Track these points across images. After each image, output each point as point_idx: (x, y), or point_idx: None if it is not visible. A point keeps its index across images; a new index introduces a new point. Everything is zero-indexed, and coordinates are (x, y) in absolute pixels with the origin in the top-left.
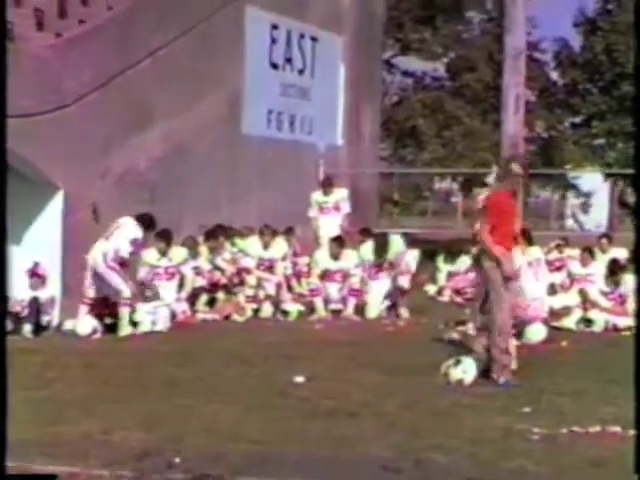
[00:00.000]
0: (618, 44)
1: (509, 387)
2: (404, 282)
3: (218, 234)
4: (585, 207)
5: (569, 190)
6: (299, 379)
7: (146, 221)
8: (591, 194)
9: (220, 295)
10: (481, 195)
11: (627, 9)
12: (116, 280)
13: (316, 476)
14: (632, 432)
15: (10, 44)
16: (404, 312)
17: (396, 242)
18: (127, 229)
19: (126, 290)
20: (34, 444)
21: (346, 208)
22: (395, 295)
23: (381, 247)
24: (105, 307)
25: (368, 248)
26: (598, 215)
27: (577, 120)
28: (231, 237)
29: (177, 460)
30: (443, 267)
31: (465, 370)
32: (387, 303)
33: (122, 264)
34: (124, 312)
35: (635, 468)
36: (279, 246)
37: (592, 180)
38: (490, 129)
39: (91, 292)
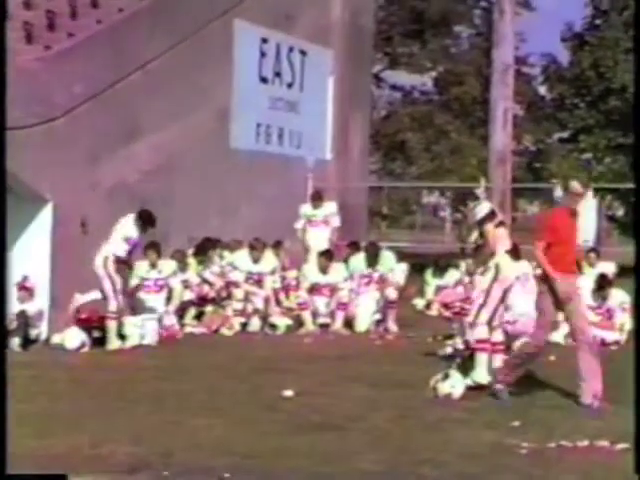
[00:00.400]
0: (605, 59)
1: (501, 399)
2: (392, 294)
3: (207, 247)
4: None
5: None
6: (288, 393)
7: (143, 217)
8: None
9: (208, 308)
10: (477, 208)
11: (614, 25)
12: (107, 289)
13: None
14: (620, 446)
15: None
16: (393, 326)
17: (388, 257)
18: (123, 228)
19: (112, 303)
20: (23, 457)
21: (335, 222)
22: (384, 309)
23: (372, 257)
24: (93, 320)
25: (359, 259)
26: (585, 230)
27: (564, 134)
28: (220, 250)
29: (166, 474)
30: (431, 281)
31: (453, 384)
32: (377, 317)
33: (123, 262)
34: (111, 325)
35: (635, 468)
36: (268, 260)
37: None
38: (478, 144)
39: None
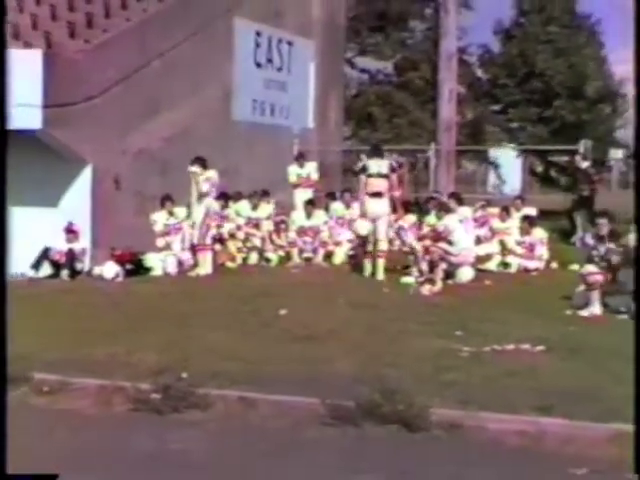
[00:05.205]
0: (528, 49)
1: None
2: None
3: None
4: (499, 182)
5: (490, 166)
6: (282, 312)
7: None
8: (503, 171)
9: (216, 246)
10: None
11: (534, 22)
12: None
13: (297, 388)
14: (539, 348)
15: (48, 49)
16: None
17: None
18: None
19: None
20: (71, 362)
21: (315, 176)
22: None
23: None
24: (126, 256)
25: (337, 205)
26: (513, 183)
27: (497, 108)
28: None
29: (185, 375)
30: (393, 224)
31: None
32: (350, 252)
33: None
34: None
35: (635, 468)
36: (264, 208)
37: (508, 155)
38: (429, 117)
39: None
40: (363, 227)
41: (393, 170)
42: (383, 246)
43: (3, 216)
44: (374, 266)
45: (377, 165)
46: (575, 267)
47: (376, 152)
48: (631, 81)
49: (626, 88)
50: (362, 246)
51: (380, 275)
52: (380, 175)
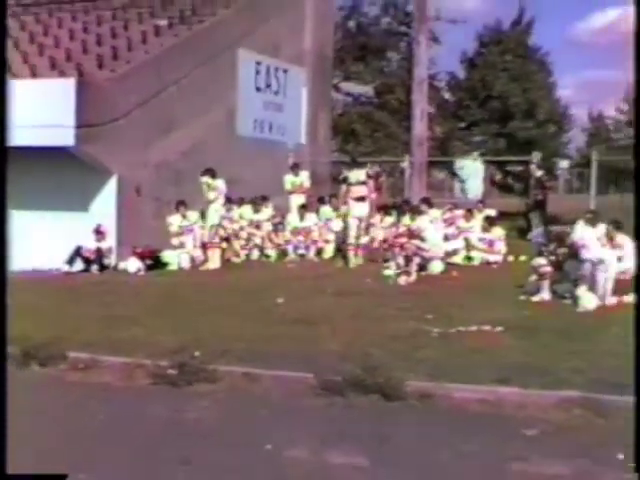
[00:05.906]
0: (489, 76)
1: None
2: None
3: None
4: (464, 188)
5: (455, 177)
6: (280, 300)
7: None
8: (467, 179)
9: (223, 245)
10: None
11: (493, 52)
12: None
13: (294, 364)
14: (498, 329)
15: (80, 78)
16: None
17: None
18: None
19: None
20: (100, 343)
21: (307, 184)
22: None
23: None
24: (146, 253)
25: (326, 209)
26: (476, 189)
27: (462, 125)
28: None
29: (197, 354)
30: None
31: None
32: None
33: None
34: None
35: (635, 467)
36: (264, 212)
37: (472, 165)
38: (404, 132)
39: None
40: (337, 225)
41: (369, 177)
42: (363, 240)
43: (3, 217)
44: (356, 257)
45: (356, 175)
46: (523, 258)
47: (355, 164)
48: (575, 104)
49: (570, 110)
50: (345, 242)
51: (360, 261)
52: (359, 182)
